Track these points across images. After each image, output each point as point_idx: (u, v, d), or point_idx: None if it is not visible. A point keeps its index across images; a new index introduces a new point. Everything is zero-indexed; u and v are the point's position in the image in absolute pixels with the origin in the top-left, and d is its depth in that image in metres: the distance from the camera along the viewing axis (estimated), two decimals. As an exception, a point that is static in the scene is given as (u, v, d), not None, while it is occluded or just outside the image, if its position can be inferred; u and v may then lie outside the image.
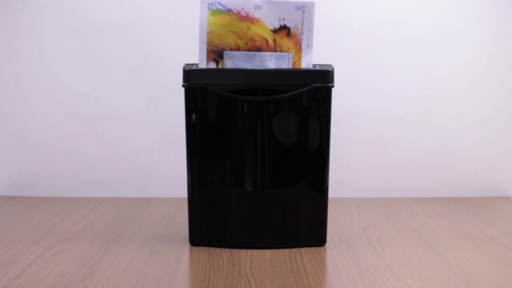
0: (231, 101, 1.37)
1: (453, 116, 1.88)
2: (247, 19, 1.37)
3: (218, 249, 1.39)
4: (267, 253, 1.37)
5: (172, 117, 1.83)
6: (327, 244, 1.43)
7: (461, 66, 1.86)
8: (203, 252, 1.38)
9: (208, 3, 1.37)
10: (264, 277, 1.23)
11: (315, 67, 1.41)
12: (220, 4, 1.37)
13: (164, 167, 1.88)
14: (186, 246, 1.42)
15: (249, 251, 1.38)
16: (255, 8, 1.37)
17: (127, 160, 1.88)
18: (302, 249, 1.40)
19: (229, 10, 1.37)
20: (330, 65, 1.44)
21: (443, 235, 1.51)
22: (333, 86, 1.38)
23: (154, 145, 1.87)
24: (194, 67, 1.39)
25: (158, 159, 1.88)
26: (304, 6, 1.38)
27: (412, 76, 1.86)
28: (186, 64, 1.43)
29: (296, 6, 1.38)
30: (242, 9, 1.37)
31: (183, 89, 1.38)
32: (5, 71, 1.85)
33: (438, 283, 1.21)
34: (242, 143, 1.38)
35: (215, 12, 1.37)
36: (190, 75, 1.37)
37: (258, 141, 1.38)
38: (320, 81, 1.37)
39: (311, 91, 1.37)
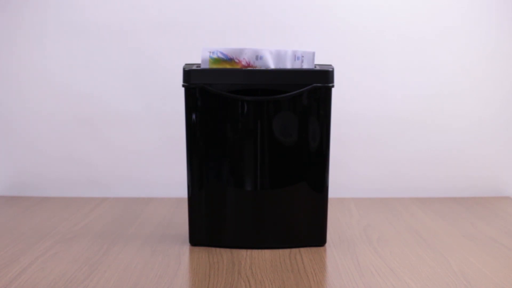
0: (231, 101, 1.37)
1: (453, 116, 1.87)
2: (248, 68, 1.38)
3: (218, 249, 1.39)
4: (267, 253, 1.37)
5: (172, 117, 1.83)
6: (327, 244, 1.43)
7: (461, 66, 1.86)
8: (203, 252, 1.38)
9: (210, 52, 1.38)
10: (264, 277, 1.23)
11: (315, 67, 1.41)
12: (221, 53, 1.38)
13: (164, 167, 1.88)
14: (186, 246, 1.42)
15: (249, 251, 1.38)
16: (256, 58, 1.38)
17: (127, 160, 1.88)
18: (302, 249, 1.40)
19: (231, 59, 1.38)
20: (330, 65, 1.44)
21: (443, 235, 1.51)
22: (333, 86, 1.38)
23: (154, 145, 1.87)
24: (194, 67, 1.39)
25: (158, 159, 1.88)
26: (303, 56, 1.39)
27: (412, 76, 1.86)
28: (186, 64, 1.43)
29: (295, 56, 1.39)
30: (244, 58, 1.38)
31: (183, 89, 1.38)
32: (5, 71, 1.85)
33: (438, 283, 1.21)
34: (242, 143, 1.38)
35: (217, 60, 1.38)
36: (190, 75, 1.37)
37: (258, 141, 1.38)
38: (320, 81, 1.37)
39: (311, 91, 1.37)
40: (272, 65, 1.38)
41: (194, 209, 1.41)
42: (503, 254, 1.37)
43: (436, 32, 1.84)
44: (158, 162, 1.88)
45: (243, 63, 1.38)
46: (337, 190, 1.81)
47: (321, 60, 1.60)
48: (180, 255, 1.36)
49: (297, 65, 1.39)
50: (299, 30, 1.83)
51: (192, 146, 1.39)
